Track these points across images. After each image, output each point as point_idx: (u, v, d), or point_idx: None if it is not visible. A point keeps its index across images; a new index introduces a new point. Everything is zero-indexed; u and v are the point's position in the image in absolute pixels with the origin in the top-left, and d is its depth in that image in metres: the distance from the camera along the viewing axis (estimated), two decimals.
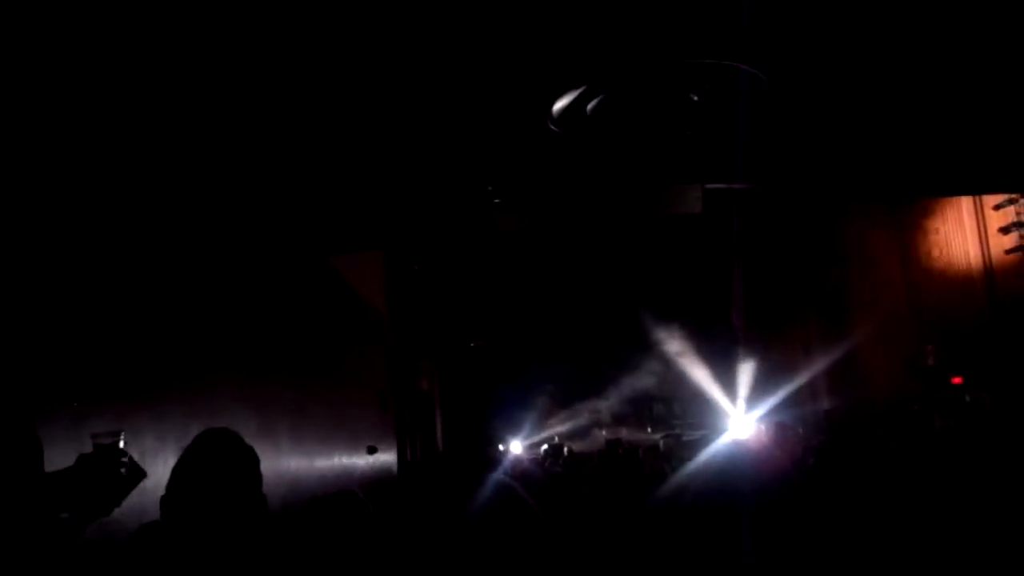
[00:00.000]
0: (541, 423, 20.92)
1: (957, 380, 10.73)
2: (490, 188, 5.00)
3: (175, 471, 1.84)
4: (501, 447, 12.59)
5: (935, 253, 11.92)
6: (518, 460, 10.15)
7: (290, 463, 5.88)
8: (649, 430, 20.06)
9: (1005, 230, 10.08)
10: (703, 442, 8.06)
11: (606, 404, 21.94)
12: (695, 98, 3.49)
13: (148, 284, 3.63)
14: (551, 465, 10.51)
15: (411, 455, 10.39)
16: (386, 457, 9.40)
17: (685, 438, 11.84)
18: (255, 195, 4.79)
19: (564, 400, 22.09)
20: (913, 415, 9.83)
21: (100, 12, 2.50)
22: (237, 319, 4.98)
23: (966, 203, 10.92)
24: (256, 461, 1.90)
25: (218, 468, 1.82)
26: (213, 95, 3.33)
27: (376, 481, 8.47)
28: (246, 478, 1.86)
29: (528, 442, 17.38)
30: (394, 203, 5.52)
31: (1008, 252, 10.15)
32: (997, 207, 10.19)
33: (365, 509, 2.68)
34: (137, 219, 3.44)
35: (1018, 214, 9.84)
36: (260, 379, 5.34)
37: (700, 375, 19.38)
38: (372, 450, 8.48)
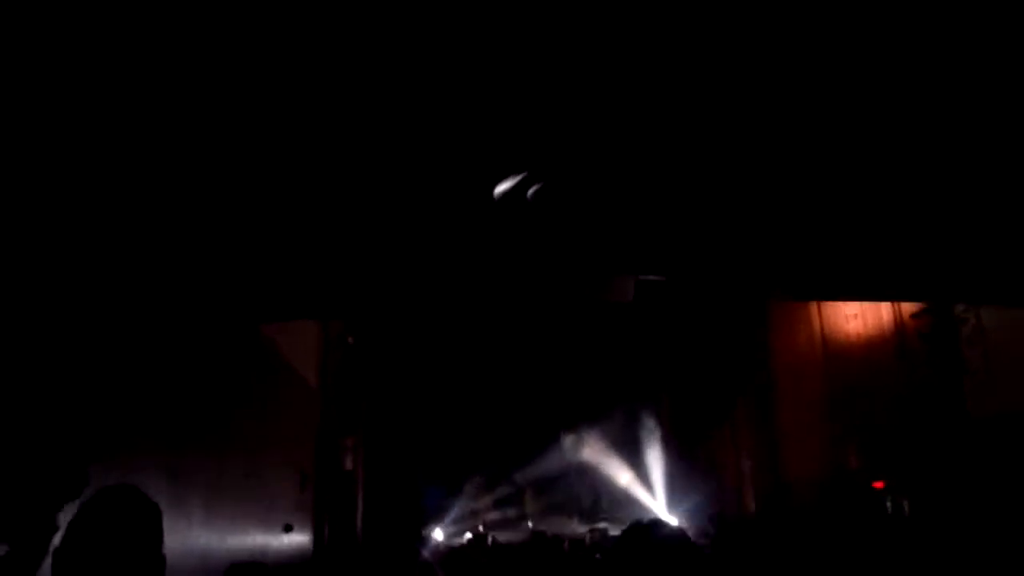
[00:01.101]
0: (466, 512, 20.45)
1: (879, 485, 10.94)
2: (432, 271, 5.04)
3: (71, 524, 1.76)
4: (424, 533, 12.28)
5: (858, 348, 12.30)
6: (439, 547, 9.90)
7: (200, 538, 5.62)
8: (576, 524, 19.78)
9: (922, 336, 10.54)
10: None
11: (533, 496, 21.64)
12: (633, 192, 3.61)
13: (55, 341, 3.51)
14: (476, 554, 10.27)
15: (328, 536, 10.01)
16: (302, 537, 9.04)
17: (611, 532, 11.75)
18: (187, 254, 4.72)
19: (491, 490, 21.74)
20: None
21: None
22: (155, 382, 4.83)
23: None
24: (158, 518, 1.82)
25: (115, 522, 1.74)
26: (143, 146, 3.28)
27: (290, 562, 8.12)
28: (145, 534, 1.78)
29: (452, 530, 16.94)
30: (335, 273, 5.51)
31: (921, 353, 10.56)
32: (914, 316, 10.67)
33: None
34: (50, 272, 3.35)
35: (930, 325, 10.33)
36: (175, 448, 5.15)
37: (628, 472, 19.39)
38: (288, 529, 8.16)
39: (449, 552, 9.24)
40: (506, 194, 3.77)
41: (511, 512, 20.95)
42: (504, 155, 3.53)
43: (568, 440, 19.83)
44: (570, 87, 2.91)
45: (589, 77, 2.87)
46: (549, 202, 3.75)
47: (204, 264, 4.73)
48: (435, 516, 17.87)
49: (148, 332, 4.66)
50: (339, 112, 3.14)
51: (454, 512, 19.37)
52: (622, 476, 19.55)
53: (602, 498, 20.29)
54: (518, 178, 3.64)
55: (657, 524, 1.75)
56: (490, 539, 13.80)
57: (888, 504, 10.24)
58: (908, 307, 10.82)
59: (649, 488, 18.12)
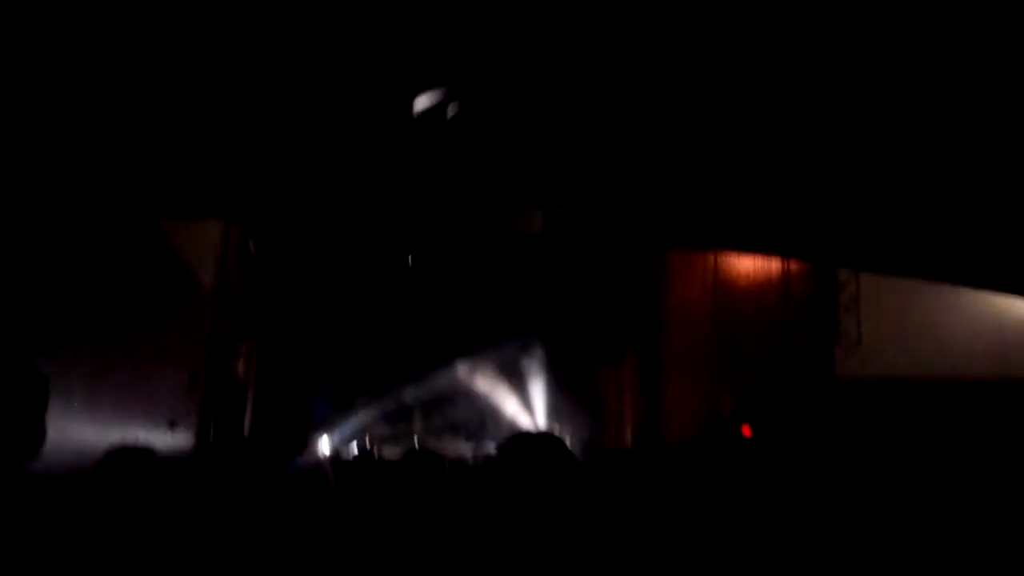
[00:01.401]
0: (355, 426, 20.64)
1: (747, 432, 11.70)
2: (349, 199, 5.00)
3: None
4: (310, 443, 12.38)
5: (745, 302, 12.94)
6: (320, 459, 10.02)
7: (82, 429, 5.52)
8: (462, 445, 20.32)
9: (804, 300, 11.21)
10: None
11: (422, 416, 22.01)
12: (551, 123, 3.69)
13: None
14: (361, 466, 10.43)
15: (214, 437, 9.96)
16: (186, 436, 8.97)
17: (492, 453, 12.12)
18: (89, 138, 4.52)
19: (381, 407, 21.94)
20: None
21: None
22: (41, 263, 4.65)
23: (777, 264, 11.94)
24: (45, 388, 1.79)
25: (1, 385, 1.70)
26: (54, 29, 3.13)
27: (173, 459, 8.06)
28: (30, 402, 1.75)
29: (339, 442, 17.10)
30: (240, 174, 5.38)
31: (804, 317, 11.26)
32: (799, 276, 11.31)
33: (158, 462, 2.62)
34: None
35: (814, 286, 10.96)
36: (56, 331, 5.00)
37: (515, 400, 19.97)
38: (173, 425, 8.08)
39: (335, 462, 9.38)
40: (426, 110, 3.77)
41: (399, 430, 21.28)
42: (427, 70, 3.52)
43: (460, 365, 20.16)
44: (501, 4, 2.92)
45: None
46: (468, 124, 3.78)
47: (107, 149, 4.54)
48: (323, 428, 17.96)
49: (40, 209, 4.46)
50: (262, 7, 3.05)
51: (342, 425, 19.50)
52: (509, 404, 20.12)
53: (488, 422, 20.85)
54: (439, 94, 3.65)
55: (533, 434, 1.88)
56: (376, 454, 14.01)
57: (752, 451, 10.95)
58: (797, 268, 11.44)
59: (533, 416, 18.74)
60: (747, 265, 12.78)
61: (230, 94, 3.83)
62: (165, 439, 7.99)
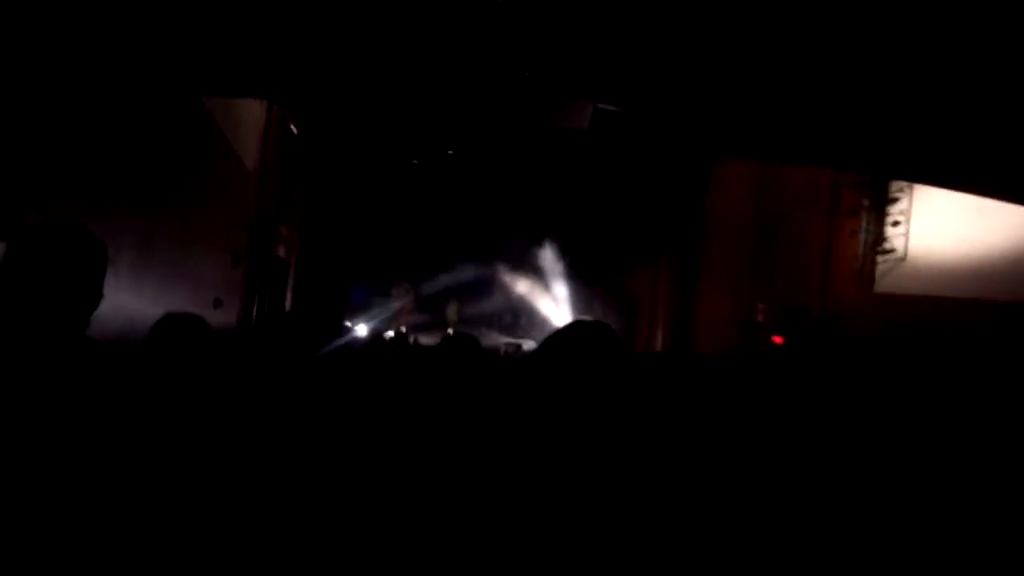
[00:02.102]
0: (392, 313, 21.06)
1: (779, 340, 11.70)
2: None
3: (11, 250, 1.73)
4: (347, 324, 12.69)
5: (788, 219, 12.72)
6: (358, 340, 10.28)
7: (129, 298, 5.68)
8: (495, 336, 20.66)
9: (852, 211, 10.94)
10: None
11: (457, 306, 22.31)
12: (604, 9, 3.54)
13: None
14: (396, 349, 10.71)
15: (256, 316, 10.24)
16: (230, 313, 9.23)
17: (525, 347, 12.33)
18: (138, 12, 4.45)
19: (417, 295, 22.28)
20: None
21: None
22: (88, 135, 4.69)
23: (827, 176, 11.63)
24: (103, 254, 1.81)
25: (62, 250, 1.73)
26: None
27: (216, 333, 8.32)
28: (90, 267, 1.78)
29: (375, 327, 17.47)
30: (283, 53, 5.29)
31: (851, 233, 11.04)
32: (851, 188, 11.00)
33: (210, 332, 2.71)
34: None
35: (866, 198, 10.68)
36: (105, 201, 5.09)
37: (551, 295, 20.09)
38: (218, 303, 8.30)
39: (371, 343, 9.67)
40: None
41: (434, 319, 21.66)
42: None
43: (497, 259, 20.26)
44: None
45: None
46: (523, 5, 3.65)
47: (154, 25, 4.48)
48: (360, 313, 18.35)
49: (89, 78, 4.46)
50: None
51: (378, 311, 19.90)
52: (544, 301, 20.28)
53: (521, 316, 21.11)
54: None
55: (589, 321, 1.84)
56: (411, 339, 14.33)
57: (782, 363, 10.95)
58: (847, 179, 11.11)
59: (570, 314, 18.90)
60: (795, 175, 12.46)
61: None
62: (210, 315, 8.23)
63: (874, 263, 10.70)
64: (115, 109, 5.09)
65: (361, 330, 14.14)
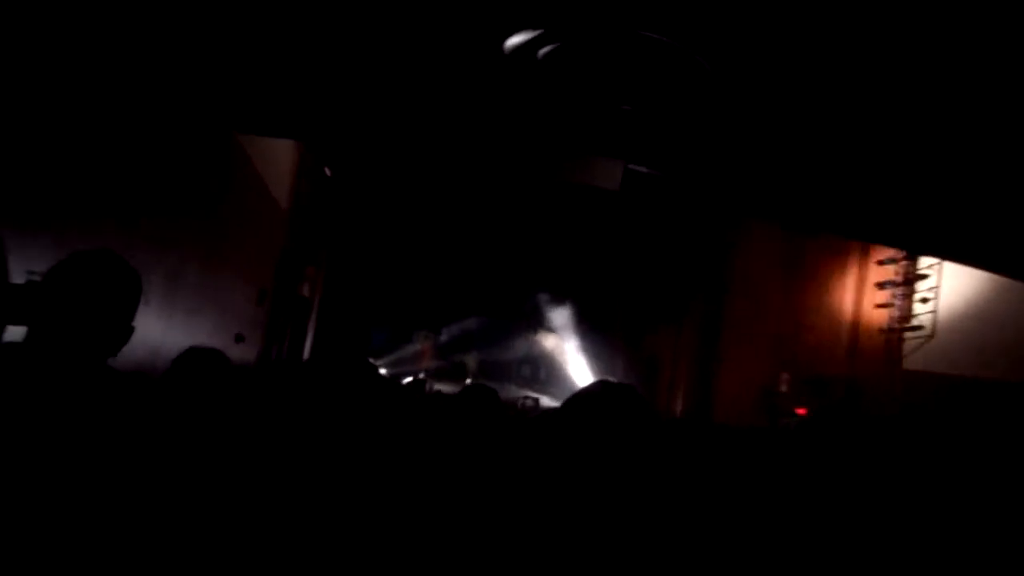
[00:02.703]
0: (409, 358, 21.04)
1: (801, 411, 11.50)
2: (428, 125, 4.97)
3: (47, 280, 1.74)
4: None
5: (814, 288, 12.62)
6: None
7: (156, 327, 5.73)
8: (512, 389, 20.57)
9: (881, 285, 10.83)
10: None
11: (476, 355, 22.27)
12: (641, 74, 3.58)
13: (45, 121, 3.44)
14: (414, 395, 10.64)
15: (276, 354, 10.27)
16: (251, 349, 9.27)
17: (543, 403, 12.22)
18: (179, 45, 4.56)
19: (436, 343, 22.27)
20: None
21: None
22: (123, 164, 4.78)
23: (855, 247, 11.57)
24: (138, 285, 1.83)
25: (96, 281, 1.74)
26: None
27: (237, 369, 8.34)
28: (124, 298, 1.78)
29: (393, 371, 17.46)
30: (323, 99, 5.39)
31: (877, 306, 10.92)
32: (881, 262, 10.92)
33: (231, 368, 2.71)
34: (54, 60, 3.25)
35: (896, 273, 10.57)
36: (140, 232, 5.17)
37: (571, 351, 20.00)
38: (240, 338, 8.34)
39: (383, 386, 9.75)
40: (517, 48, 3.70)
41: (452, 367, 21.61)
42: (523, 9, 3.44)
43: (520, 311, 20.25)
44: None
45: None
46: (559, 66, 3.70)
47: (194, 59, 4.59)
48: (379, 355, 18.36)
49: (129, 110, 4.57)
50: None
51: (397, 355, 19.91)
52: (564, 356, 20.19)
53: (541, 370, 21.00)
54: (533, 34, 3.57)
55: (615, 383, 1.78)
56: (428, 386, 14.27)
57: (805, 430, 10.72)
58: (876, 253, 11.05)
59: (589, 371, 18.77)
60: (823, 244, 12.41)
61: (319, 18, 3.81)
62: (232, 350, 8.26)
63: (902, 339, 10.54)
64: (153, 142, 5.20)
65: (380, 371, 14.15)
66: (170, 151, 5.56)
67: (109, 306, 1.75)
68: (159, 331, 5.77)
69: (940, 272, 10.09)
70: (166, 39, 4.26)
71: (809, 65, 3.35)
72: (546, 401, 14.42)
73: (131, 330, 1.82)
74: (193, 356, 2.73)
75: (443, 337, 21.60)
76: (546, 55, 3.52)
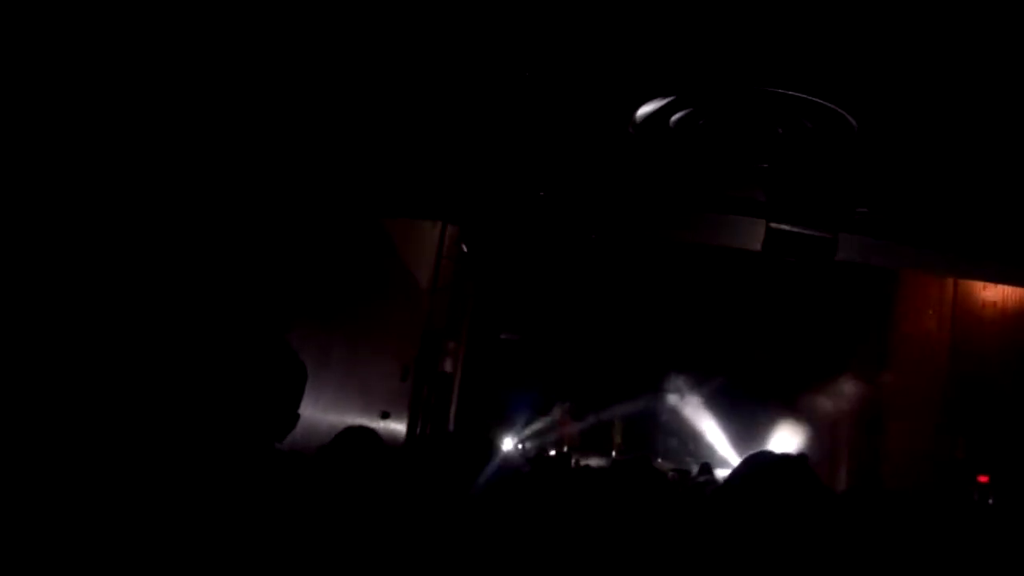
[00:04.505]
0: (553, 431, 20.86)
1: (984, 479, 10.40)
2: (542, 193, 5.01)
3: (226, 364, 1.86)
4: (507, 441, 12.76)
5: (986, 330, 11.54)
6: (516, 458, 10.17)
7: (305, 410, 5.94)
8: (659, 461, 19.92)
9: None
10: (710, 486, 7.97)
11: (618, 427, 21.79)
12: (780, 131, 3.44)
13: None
14: (560, 470, 10.51)
15: (421, 429, 10.45)
16: (397, 426, 9.47)
17: (694, 475, 11.73)
18: (324, 143, 4.84)
19: (576, 415, 22.00)
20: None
21: None
22: (271, 260, 5.06)
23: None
24: (304, 376, 1.93)
25: (269, 373, 1.84)
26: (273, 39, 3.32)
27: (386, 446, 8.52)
28: (293, 387, 1.88)
29: (536, 445, 17.36)
30: (458, 177, 5.54)
31: None
32: None
33: (383, 446, 2.75)
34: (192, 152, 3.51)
35: None
36: (287, 318, 5.42)
37: (717, 419, 19.22)
38: (386, 416, 8.55)
39: (534, 461, 9.61)
40: (648, 118, 3.66)
41: (596, 440, 21.22)
42: (651, 77, 3.41)
43: (666, 383, 19.75)
44: (719, 9, 2.75)
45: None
46: (692, 132, 3.63)
47: (337, 150, 4.86)
48: (519, 427, 18.34)
49: (280, 214, 4.85)
50: (482, 15, 3.09)
51: (538, 428, 19.79)
52: (710, 425, 19.41)
53: (689, 443, 20.25)
54: (663, 102, 3.52)
55: (783, 456, 1.67)
56: (573, 460, 14.05)
57: (990, 500, 9.71)
58: None
59: (739, 444, 17.91)
60: (992, 293, 11.40)
61: (453, 100, 3.93)
62: (379, 427, 8.47)
63: None
64: (309, 234, 5.50)
65: (521, 445, 14.11)
66: (323, 242, 5.86)
67: (282, 395, 1.85)
68: (310, 410, 5.98)
69: None
70: (317, 133, 4.52)
71: (950, 113, 3.11)
72: (696, 475, 13.84)
73: (297, 417, 1.93)
74: (349, 434, 2.84)
75: (586, 410, 21.34)
76: (678, 122, 3.46)
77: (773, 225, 4.60)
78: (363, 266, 7.39)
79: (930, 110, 3.16)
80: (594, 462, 15.52)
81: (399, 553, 2.40)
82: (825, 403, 16.75)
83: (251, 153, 4.04)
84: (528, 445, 18.03)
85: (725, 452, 18.16)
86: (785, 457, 1.64)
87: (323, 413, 6.38)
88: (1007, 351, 11.03)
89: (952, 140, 3.46)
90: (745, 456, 1.68)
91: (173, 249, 3.24)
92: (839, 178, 3.99)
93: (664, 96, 3.32)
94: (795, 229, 4.43)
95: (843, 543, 1.66)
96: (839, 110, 3.11)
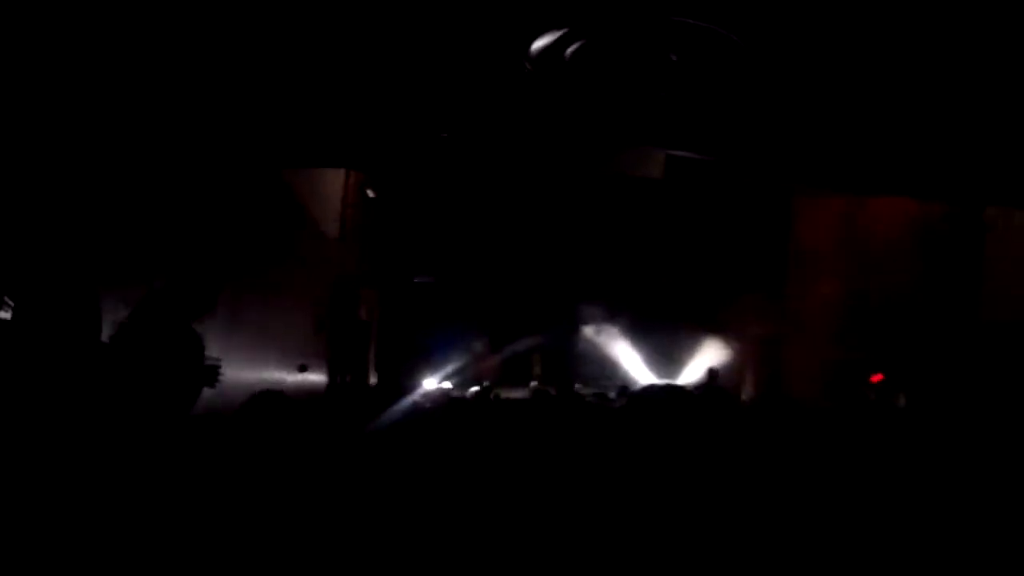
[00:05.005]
0: (472, 368, 21.07)
1: (877, 378, 11.02)
2: (445, 135, 4.97)
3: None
4: (428, 383, 12.84)
5: (877, 237, 12.13)
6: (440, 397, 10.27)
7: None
8: (577, 387, 20.43)
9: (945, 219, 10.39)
10: (630, 406, 8.26)
11: (537, 359, 22.17)
12: (674, 59, 3.49)
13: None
14: (479, 406, 10.67)
15: (340, 380, 10.39)
16: (317, 378, 9.38)
17: (611, 396, 12.10)
18: (218, 96, 4.64)
19: (496, 348, 22.25)
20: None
21: None
22: (173, 216, 4.87)
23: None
24: (201, 345, 1.93)
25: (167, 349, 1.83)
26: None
27: (304, 400, 8.46)
28: (189, 360, 1.88)
29: (456, 381, 17.51)
30: (359, 125, 5.42)
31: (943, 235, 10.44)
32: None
33: (294, 409, 2.73)
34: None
35: None
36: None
37: (631, 343, 19.78)
38: (303, 369, 8.46)
39: (450, 402, 9.74)
40: (543, 52, 3.64)
41: (514, 371, 21.52)
42: (544, 11, 3.38)
43: (576, 312, 20.13)
44: None
45: None
46: (588, 63, 3.63)
47: (230, 104, 4.66)
48: (441, 370, 18.45)
49: (175, 167, 4.66)
50: None
51: (458, 366, 19.92)
52: (624, 349, 19.98)
53: (606, 366, 20.81)
54: (557, 35, 3.51)
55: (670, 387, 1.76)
56: (493, 394, 14.24)
57: (882, 396, 10.38)
58: (938, 209, 10.61)
59: (655, 366, 18.53)
60: (882, 208, 11.97)
61: (347, 43, 3.82)
62: (296, 380, 8.37)
63: (977, 292, 10.13)
64: (206, 187, 5.30)
65: (444, 385, 14.23)
66: (221, 193, 5.65)
67: (179, 368, 1.86)
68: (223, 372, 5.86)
69: (1008, 219, 9.65)
70: (209, 81, 4.33)
71: (839, 30, 3.22)
72: (612, 395, 14.28)
73: (199, 390, 1.93)
74: (258, 401, 2.80)
75: (503, 344, 21.60)
76: (573, 54, 3.46)
77: (672, 153, 4.71)
78: (265, 220, 7.18)
79: (813, 29, 3.25)
80: (515, 394, 15.81)
81: (305, 508, 2.44)
82: (732, 321, 17.42)
83: (144, 107, 3.85)
84: (451, 383, 18.17)
85: (641, 374, 18.75)
86: (668, 387, 1.74)
87: (239, 371, 6.26)
88: (896, 262, 11.68)
89: (837, 57, 3.58)
90: (647, 384, 1.77)
91: (53, 209, 3.09)
92: (733, 103, 4.09)
93: (557, 29, 3.31)
94: (694, 156, 4.54)
95: (745, 449, 1.77)
96: (727, 33, 3.17)
